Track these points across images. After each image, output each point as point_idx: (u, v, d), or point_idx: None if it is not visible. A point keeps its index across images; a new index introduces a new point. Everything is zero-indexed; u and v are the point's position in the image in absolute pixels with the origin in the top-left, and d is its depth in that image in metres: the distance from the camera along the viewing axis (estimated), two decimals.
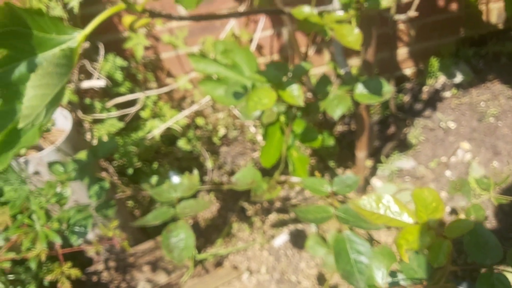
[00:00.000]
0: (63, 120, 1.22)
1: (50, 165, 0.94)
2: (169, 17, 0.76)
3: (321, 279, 1.48)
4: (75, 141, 1.15)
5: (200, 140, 1.83)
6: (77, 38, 0.64)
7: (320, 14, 0.96)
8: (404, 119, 1.83)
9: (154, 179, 1.12)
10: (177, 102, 1.90)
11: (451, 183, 1.23)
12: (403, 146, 1.76)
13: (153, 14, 0.72)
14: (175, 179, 1.11)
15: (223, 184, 1.76)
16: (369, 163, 1.75)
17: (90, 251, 1.38)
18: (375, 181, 1.69)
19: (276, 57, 1.82)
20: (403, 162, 1.71)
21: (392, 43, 1.85)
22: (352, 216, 0.86)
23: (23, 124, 0.60)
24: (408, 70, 1.98)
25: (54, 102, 0.63)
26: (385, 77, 1.91)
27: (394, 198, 0.61)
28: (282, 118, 1.42)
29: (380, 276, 0.70)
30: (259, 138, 1.79)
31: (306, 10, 0.91)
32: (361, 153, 1.45)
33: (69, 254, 0.98)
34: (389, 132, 1.82)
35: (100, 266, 1.41)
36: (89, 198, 1.00)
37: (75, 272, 0.88)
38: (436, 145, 1.74)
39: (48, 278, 0.87)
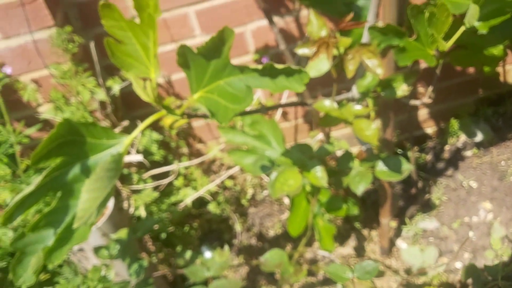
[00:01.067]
0: None
1: (96, 250, 1.03)
2: (203, 116, 0.85)
3: None
4: (116, 219, 1.25)
5: (229, 202, 1.92)
6: (124, 143, 0.74)
7: (340, 103, 1.05)
8: (427, 179, 1.88)
9: (188, 253, 1.20)
10: (207, 165, 2.00)
11: (463, 268, 1.28)
12: (427, 206, 1.80)
13: (190, 116, 0.82)
14: (207, 254, 1.19)
15: (251, 249, 1.83)
16: (393, 224, 1.79)
17: None
18: (400, 242, 1.73)
19: (300, 121, 1.92)
20: (426, 223, 1.76)
21: (411, 107, 1.92)
22: None
23: (78, 224, 0.68)
24: (430, 129, 2.05)
25: (104, 202, 0.72)
26: (406, 137, 1.98)
27: None
28: (308, 188, 1.49)
29: None
30: (286, 200, 1.86)
31: (327, 104, 1.00)
32: (385, 219, 1.51)
33: None
34: (412, 192, 1.87)
35: None
36: (129, 276, 1.09)
37: None
38: (458, 205, 1.78)
39: None
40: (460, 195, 1.81)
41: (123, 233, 1.15)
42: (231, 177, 2.03)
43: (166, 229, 1.65)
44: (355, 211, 1.43)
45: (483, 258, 1.62)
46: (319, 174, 1.10)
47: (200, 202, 1.98)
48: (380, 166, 1.19)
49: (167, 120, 0.90)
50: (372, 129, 0.92)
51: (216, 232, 1.87)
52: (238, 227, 1.83)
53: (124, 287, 1.07)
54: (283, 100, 1.78)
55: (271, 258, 1.03)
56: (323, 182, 1.09)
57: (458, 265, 1.63)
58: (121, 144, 0.77)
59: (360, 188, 1.20)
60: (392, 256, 1.71)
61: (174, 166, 1.62)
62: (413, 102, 1.12)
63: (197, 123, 1.85)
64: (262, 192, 2.02)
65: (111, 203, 1.26)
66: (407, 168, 1.16)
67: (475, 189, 1.81)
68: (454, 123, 1.95)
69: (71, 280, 0.91)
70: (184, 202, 1.64)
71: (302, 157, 1.13)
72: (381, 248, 1.68)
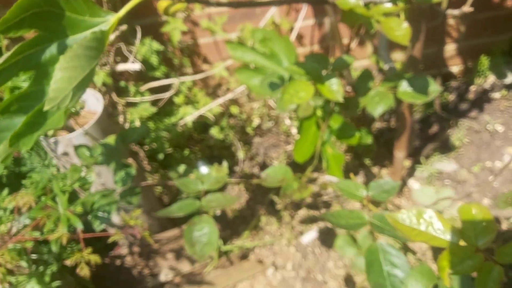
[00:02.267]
0: (95, 103, 1.20)
1: (77, 148, 0.91)
2: (205, 2, 0.71)
3: (348, 281, 1.42)
4: (105, 124, 1.13)
5: (233, 129, 1.79)
6: (110, 21, 0.61)
7: (367, 5, 0.89)
8: (448, 119, 1.74)
9: (181, 167, 1.09)
10: (212, 89, 1.86)
11: (502, 195, 1.15)
12: (445, 147, 1.67)
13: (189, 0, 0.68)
14: (204, 169, 1.07)
15: (253, 177, 1.72)
16: (407, 163, 1.67)
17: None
18: (412, 183, 1.61)
19: (316, 48, 1.76)
20: (444, 164, 1.63)
21: (440, 38, 1.75)
22: (388, 225, 0.80)
23: (49, 106, 0.57)
24: (455, 67, 1.88)
25: (82, 86, 0.60)
26: (431, 74, 1.82)
27: (437, 214, 0.55)
28: (319, 112, 1.36)
29: None
30: (294, 131, 1.74)
31: (351, 1, 0.85)
32: (399, 153, 1.38)
33: (93, 237, 0.96)
34: (430, 132, 1.73)
35: (124, 250, 1.40)
36: (115, 183, 0.98)
37: (94, 258, 0.86)
38: (481, 149, 1.65)
39: (67, 263, 0.86)
40: (483, 138, 1.67)
41: (111, 138, 1.03)
42: (237, 104, 1.90)
43: (163, 149, 1.54)
44: (368, 140, 1.30)
45: None
46: (334, 87, 0.96)
47: (203, 127, 1.86)
48: (404, 86, 1.04)
49: (162, 4, 0.75)
50: (403, 29, 0.78)
51: (217, 159, 1.76)
52: (240, 154, 1.72)
53: (108, 195, 0.97)
54: (299, 21, 1.62)
55: (274, 174, 0.91)
56: (338, 96, 0.95)
57: None
58: (106, 23, 0.63)
59: (379, 109, 1.06)
60: (402, 196, 1.60)
61: (175, 80, 1.49)
62: (451, 11, 0.96)
63: (204, 40, 1.70)
64: (269, 121, 1.90)
65: (100, 106, 1.14)
66: (435, 89, 1.01)
67: (501, 133, 1.67)
68: (484, 61, 1.78)
69: (41, 172, 0.80)
70: (183, 120, 1.52)
71: (316, 68, 0.99)
72: None
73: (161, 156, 1.62)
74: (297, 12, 1.63)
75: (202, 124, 1.85)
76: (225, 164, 1.05)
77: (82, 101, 0.92)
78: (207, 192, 0.94)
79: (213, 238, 0.82)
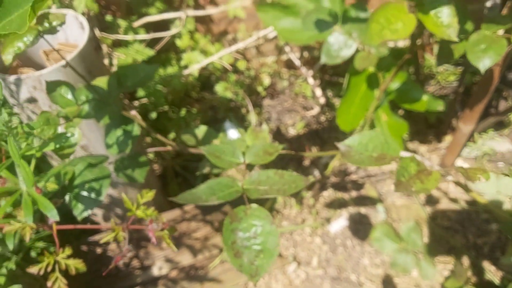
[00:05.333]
0: (78, 31, 0.85)
1: (50, 86, 0.57)
2: None
3: (388, 284, 1.14)
4: (92, 61, 0.78)
5: (241, 85, 1.46)
6: None
7: None
8: (501, 90, 1.45)
9: (201, 129, 0.76)
10: (216, 37, 1.52)
11: None
12: (499, 123, 1.39)
13: None
14: (233, 132, 0.75)
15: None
16: (450, 138, 1.39)
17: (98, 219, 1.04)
18: (461, 163, 1.33)
19: None
20: (496, 143, 1.35)
21: None
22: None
23: None
24: None
25: None
26: None
27: None
28: (371, 67, 1.05)
29: None
30: (319, 92, 1.42)
31: None
32: (466, 126, 1.09)
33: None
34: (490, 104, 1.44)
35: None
36: (107, 148, 0.65)
37: (76, 265, 0.54)
38: None
39: (32, 270, 0.54)
40: None
41: (101, 80, 0.69)
42: (245, 58, 1.56)
43: (160, 105, 1.20)
44: (438, 105, 1.00)
45: None
46: (445, 19, 0.64)
47: (204, 83, 1.52)
48: None
49: None
50: None
51: (221, 122, 1.43)
52: (253, 117, 1.39)
53: (97, 164, 0.63)
54: None
55: (363, 145, 0.59)
56: (450, 33, 0.64)
57: None
58: None
59: (486, 61, 0.75)
60: (448, 180, 1.31)
61: (178, 14, 1.14)
62: None
63: None
64: (283, 82, 1.57)
65: (84, 36, 0.78)
66: None
67: None
68: None
69: None
70: (190, 68, 1.17)
71: None
72: (441, 166, 1.28)
73: (154, 115, 1.28)
74: None
75: (203, 80, 1.51)
76: (264, 126, 0.73)
77: (61, 14, 0.58)
78: (250, 167, 0.63)
79: (271, 243, 0.51)
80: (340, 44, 0.91)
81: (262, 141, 0.69)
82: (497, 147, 1.35)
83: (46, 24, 0.55)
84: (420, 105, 0.97)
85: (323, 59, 0.92)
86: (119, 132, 0.65)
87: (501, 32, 0.78)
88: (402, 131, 0.98)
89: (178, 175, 1.31)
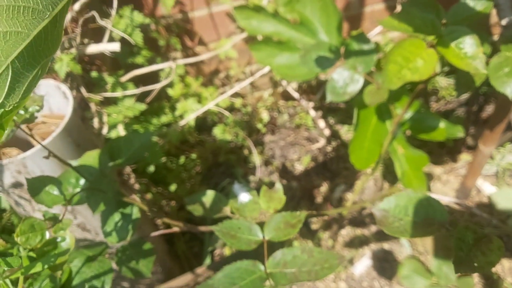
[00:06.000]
0: (61, 100, 0.78)
1: (33, 185, 0.49)
2: None
3: None
4: (79, 133, 0.71)
5: (240, 126, 1.39)
6: None
7: None
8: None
9: (209, 195, 0.69)
10: (208, 77, 1.45)
11: None
12: None
13: None
14: (244, 196, 0.67)
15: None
16: (465, 157, 1.31)
17: None
18: (481, 183, 1.25)
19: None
20: None
21: None
22: None
23: None
24: None
25: (27, 66, 0.21)
26: None
27: None
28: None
29: None
30: (322, 124, 1.34)
31: None
32: (488, 147, 1.01)
33: None
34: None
35: None
36: (105, 237, 0.57)
37: None
38: None
39: None
40: None
41: (91, 156, 0.61)
42: (240, 95, 1.49)
43: (157, 159, 1.12)
44: (458, 131, 0.93)
45: None
46: (468, 49, 0.57)
47: (200, 126, 1.45)
48: None
49: None
50: None
51: (223, 166, 1.36)
52: (256, 158, 1.31)
53: (97, 253, 0.55)
54: None
55: (400, 208, 0.51)
56: (476, 65, 0.57)
57: None
58: None
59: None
60: (471, 202, 1.24)
61: (168, 64, 1.07)
62: None
63: (197, 13, 1.28)
64: (282, 115, 1.50)
65: (69, 106, 0.71)
66: None
67: None
68: None
69: None
70: (186, 119, 1.10)
71: (432, 20, 0.59)
72: (461, 189, 1.20)
73: (151, 168, 1.20)
74: None
75: (199, 123, 1.44)
76: (278, 186, 0.65)
77: (38, 97, 0.51)
78: (270, 243, 0.55)
79: None
80: (345, 80, 0.85)
81: (279, 206, 0.61)
82: None
83: (22, 112, 0.48)
84: (439, 134, 0.90)
85: (329, 98, 0.85)
86: (117, 217, 0.57)
87: None
88: (422, 164, 0.90)
89: (185, 231, 1.23)
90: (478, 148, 1.03)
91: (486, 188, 1.23)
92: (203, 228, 0.61)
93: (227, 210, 0.67)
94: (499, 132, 0.97)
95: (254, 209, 0.65)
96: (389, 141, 0.91)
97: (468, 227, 0.42)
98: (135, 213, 0.57)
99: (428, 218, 0.46)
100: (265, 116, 1.47)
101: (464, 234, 0.42)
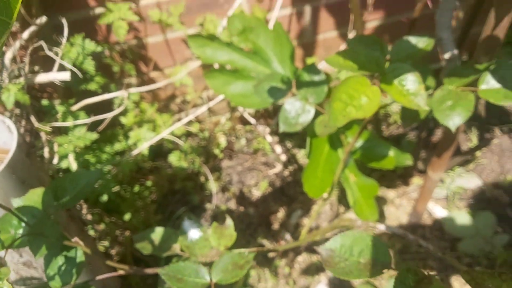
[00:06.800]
0: (6, 134, 0.75)
1: None
2: None
3: None
4: (24, 170, 0.69)
5: (196, 152, 1.38)
6: None
7: None
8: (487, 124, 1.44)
9: (158, 232, 0.67)
10: (165, 102, 1.44)
11: None
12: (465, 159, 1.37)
13: None
14: (194, 233, 0.67)
15: (231, 213, 1.31)
16: (417, 180, 1.35)
17: None
18: (432, 206, 1.29)
19: (294, 43, 1.40)
20: (465, 180, 1.32)
21: None
22: None
23: None
24: None
25: None
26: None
27: None
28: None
29: None
30: (279, 150, 1.35)
31: None
32: (436, 173, 1.04)
33: None
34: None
35: None
36: (48, 281, 0.55)
37: None
38: (503, 158, 1.36)
39: None
40: (503, 144, 1.38)
41: (35, 194, 0.59)
42: (197, 120, 1.49)
43: (109, 189, 1.09)
44: (406, 160, 0.95)
45: None
46: (410, 86, 0.59)
47: (156, 152, 1.43)
48: (489, 81, 0.70)
49: None
50: None
51: (179, 194, 1.34)
52: (213, 186, 1.31)
53: None
54: (277, 10, 1.24)
55: (345, 248, 0.51)
56: (418, 102, 0.58)
57: None
58: None
59: (455, 119, 0.70)
60: (422, 225, 1.27)
61: (120, 93, 1.06)
62: None
63: (152, 39, 1.28)
64: (240, 140, 1.50)
65: (13, 141, 0.69)
66: None
67: None
68: None
69: None
70: (139, 148, 1.09)
71: (377, 57, 0.61)
72: (413, 213, 1.23)
73: (104, 197, 1.17)
74: None
75: (155, 150, 1.42)
76: (229, 222, 0.65)
77: None
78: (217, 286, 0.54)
79: None
80: (297, 110, 0.86)
81: (230, 243, 0.60)
82: (466, 184, 1.32)
83: None
84: (388, 162, 0.92)
85: (282, 128, 0.86)
86: (60, 260, 0.55)
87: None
88: (373, 192, 0.92)
89: (139, 261, 1.20)
90: (427, 174, 1.06)
91: (437, 212, 1.27)
92: (149, 271, 0.59)
93: (176, 248, 0.66)
94: (446, 158, 1.00)
95: (204, 246, 0.64)
96: (341, 169, 0.92)
97: (409, 269, 0.43)
98: (80, 256, 0.56)
99: (372, 259, 0.47)
100: (222, 141, 1.47)
101: (405, 277, 0.42)
